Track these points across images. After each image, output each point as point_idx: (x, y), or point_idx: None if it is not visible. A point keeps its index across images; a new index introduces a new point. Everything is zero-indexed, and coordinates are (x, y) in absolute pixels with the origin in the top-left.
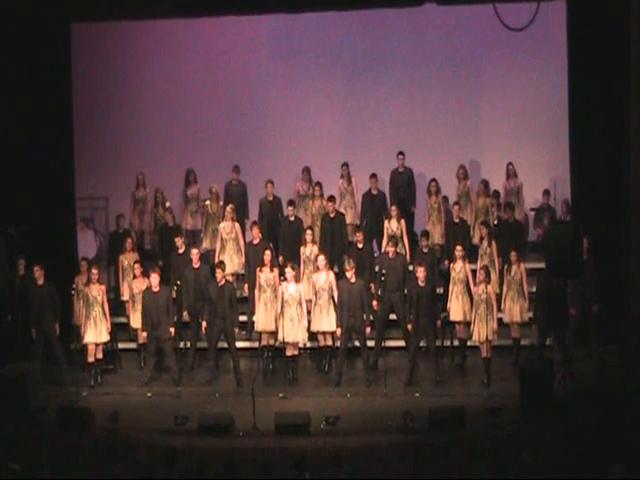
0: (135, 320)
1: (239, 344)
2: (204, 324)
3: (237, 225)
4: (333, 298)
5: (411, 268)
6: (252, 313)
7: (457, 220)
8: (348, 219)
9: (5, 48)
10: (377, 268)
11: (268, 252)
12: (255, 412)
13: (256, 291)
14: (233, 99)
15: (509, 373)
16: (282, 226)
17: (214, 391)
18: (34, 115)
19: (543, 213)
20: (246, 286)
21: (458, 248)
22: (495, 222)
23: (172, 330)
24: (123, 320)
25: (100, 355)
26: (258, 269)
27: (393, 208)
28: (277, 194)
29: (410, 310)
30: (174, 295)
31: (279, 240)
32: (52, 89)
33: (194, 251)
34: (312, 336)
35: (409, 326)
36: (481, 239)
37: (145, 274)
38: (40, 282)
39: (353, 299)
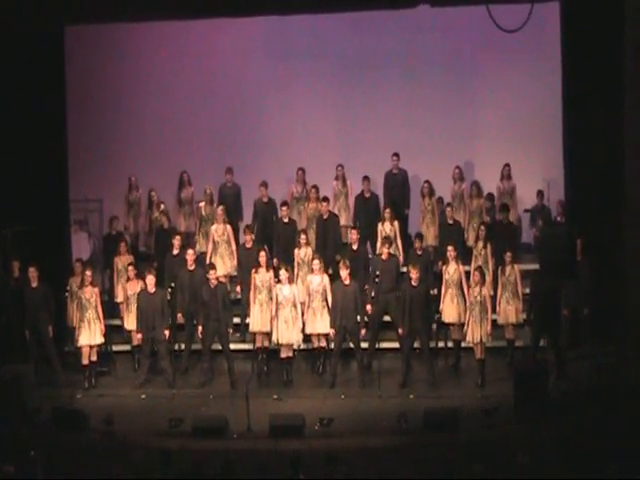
0: (129, 322)
1: (233, 346)
2: (200, 328)
3: (229, 227)
4: (327, 300)
5: (405, 270)
6: (246, 315)
7: (451, 221)
8: (342, 221)
9: None
10: (371, 270)
11: (263, 253)
12: (249, 414)
13: (251, 292)
14: (227, 101)
15: (503, 374)
16: (276, 227)
17: (208, 393)
18: (28, 117)
19: (537, 214)
20: (238, 288)
21: (450, 249)
22: (488, 223)
23: (166, 333)
24: (117, 322)
25: (94, 357)
26: (253, 270)
27: (387, 210)
28: (272, 196)
29: (403, 312)
30: (168, 297)
31: (273, 242)
32: (46, 91)
33: (190, 252)
34: (306, 338)
35: (400, 330)
36: (477, 240)
37: (139, 276)
38: (34, 284)
39: (347, 301)
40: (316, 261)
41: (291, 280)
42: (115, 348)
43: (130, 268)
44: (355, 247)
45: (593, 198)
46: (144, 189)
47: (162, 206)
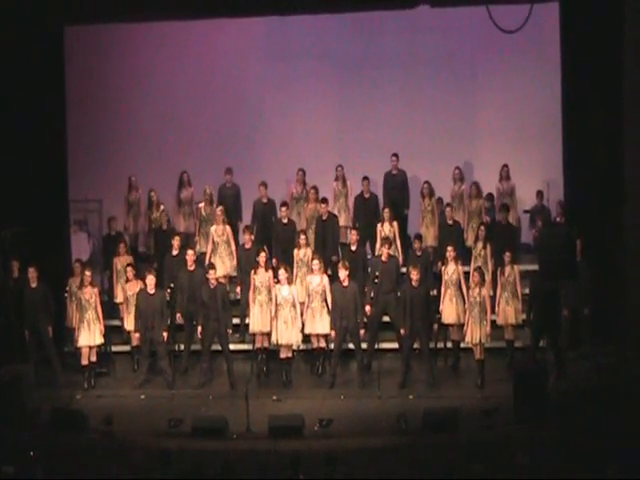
0: (129, 323)
1: (233, 346)
2: (199, 329)
3: (228, 228)
4: (326, 301)
5: (404, 270)
6: (245, 316)
7: (450, 222)
8: (342, 221)
9: None
10: (370, 270)
11: (263, 254)
12: (249, 414)
13: (251, 293)
14: (227, 101)
15: (503, 375)
16: (275, 228)
17: (208, 394)
18: (28, 117)
19: (537, 215)
20: (238, 289)
21: (449, 249)
22: (488, 224)
23: (165, 335)
24: (117, 323)
25: (94, 358)
26: (253, 271)
27: (386, 210)
28: (271, 196)
29: (404, 312)
30: (167, 297)
31: (273, 242)
32: (46, 91)
33: (190, 252)
34: (306, 338)
35: (402, 330)
36: (476, 241)
37: (138, 277)
38: (34, 284)
39: (346, 301)
40: (316, 261)
41: (290, 281)
42: (114, 349)
43: (129, 269)
44: (354, 248)
45: (593, 198)
46: (144, 189)
47: (162, 206)
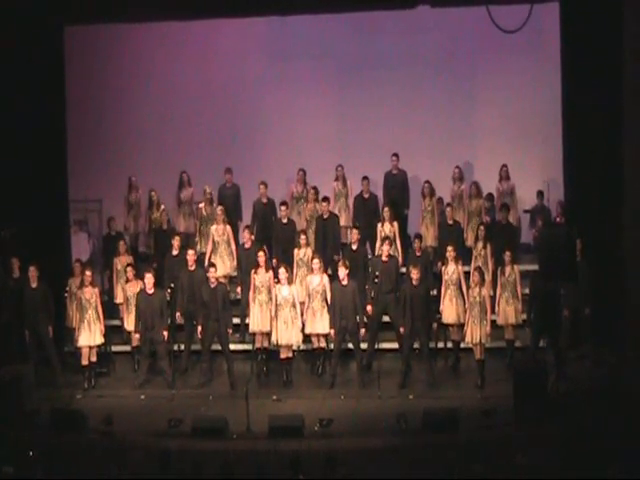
0: (129, 323)
1: (233, 346)
2: (199, 328)
3: (228, 227)
4: (326, 300)
5: (404, 270)
6: (245, 315)
7: (450, 222)
8: (342, 221)
9: None
10: (370, 270)
11: (262, 254)
12: (249, 414)
13: (251, 292)
14: (227, 101)
15: (503, 375)
16: (275, 228)
17: (208, 394)
18: (27, 117)
19: (537, 214)
20: (239, 289)
21: (449, 249)
22: (488, 224)
23: (165, 334)
24: (117, 323)
25: (94, 358)
26: (253, 271)
27: (386, 210)
28: (271, 196)
29: (404, 312)
30: (168, 297)
31: (272, 242)
32: (46, 91)
33: (190, 252)
34: (306, 338)
35: (401, 329)
36: (476, 240)
37: (138, 277)
38: (34, 284)
39: (345, 301)
40: (316, 261)
41: (290, 280)
42: (115, 349)
43: (129, 269)
44: (355, 247)
45: (593, 198)
46: (144, 189)
47: (162, 206)
